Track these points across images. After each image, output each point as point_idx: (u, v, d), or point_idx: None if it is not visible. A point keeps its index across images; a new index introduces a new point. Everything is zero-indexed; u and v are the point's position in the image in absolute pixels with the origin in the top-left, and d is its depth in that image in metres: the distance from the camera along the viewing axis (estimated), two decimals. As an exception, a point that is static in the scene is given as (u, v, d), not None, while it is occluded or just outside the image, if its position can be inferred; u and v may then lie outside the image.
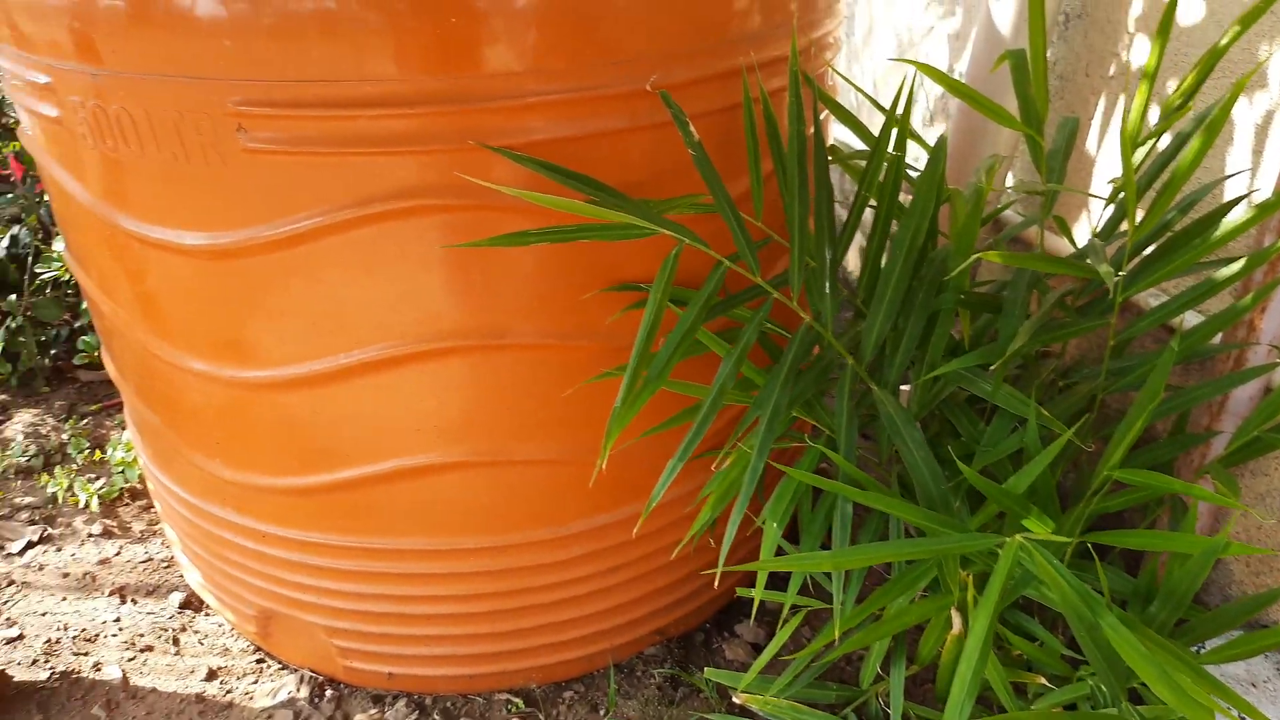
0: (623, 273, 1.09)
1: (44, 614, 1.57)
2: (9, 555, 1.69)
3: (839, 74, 1.29)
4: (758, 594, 1.03)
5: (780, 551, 1.39)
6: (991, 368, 1.01)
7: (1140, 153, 1.01)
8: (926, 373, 1.08)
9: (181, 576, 1.64)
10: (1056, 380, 1.26)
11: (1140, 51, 1.46)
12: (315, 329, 1.06)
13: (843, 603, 1.00)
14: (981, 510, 1.00)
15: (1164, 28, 0.92)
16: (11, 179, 2.26)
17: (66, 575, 1.65)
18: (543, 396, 1.15)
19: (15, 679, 1.43)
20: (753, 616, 1.52)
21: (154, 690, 1.42)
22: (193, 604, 1.58)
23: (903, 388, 1.18)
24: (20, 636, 1.52)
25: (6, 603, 1.59)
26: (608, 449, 0.96)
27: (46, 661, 1.47)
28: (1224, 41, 0.93)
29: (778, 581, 1.55)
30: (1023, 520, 0.90)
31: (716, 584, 1.42)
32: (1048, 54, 1.30)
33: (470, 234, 0.99)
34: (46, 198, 2.19)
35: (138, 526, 1.77)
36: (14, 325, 2.14)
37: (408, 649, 1.35)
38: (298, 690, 1.42)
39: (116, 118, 0.98)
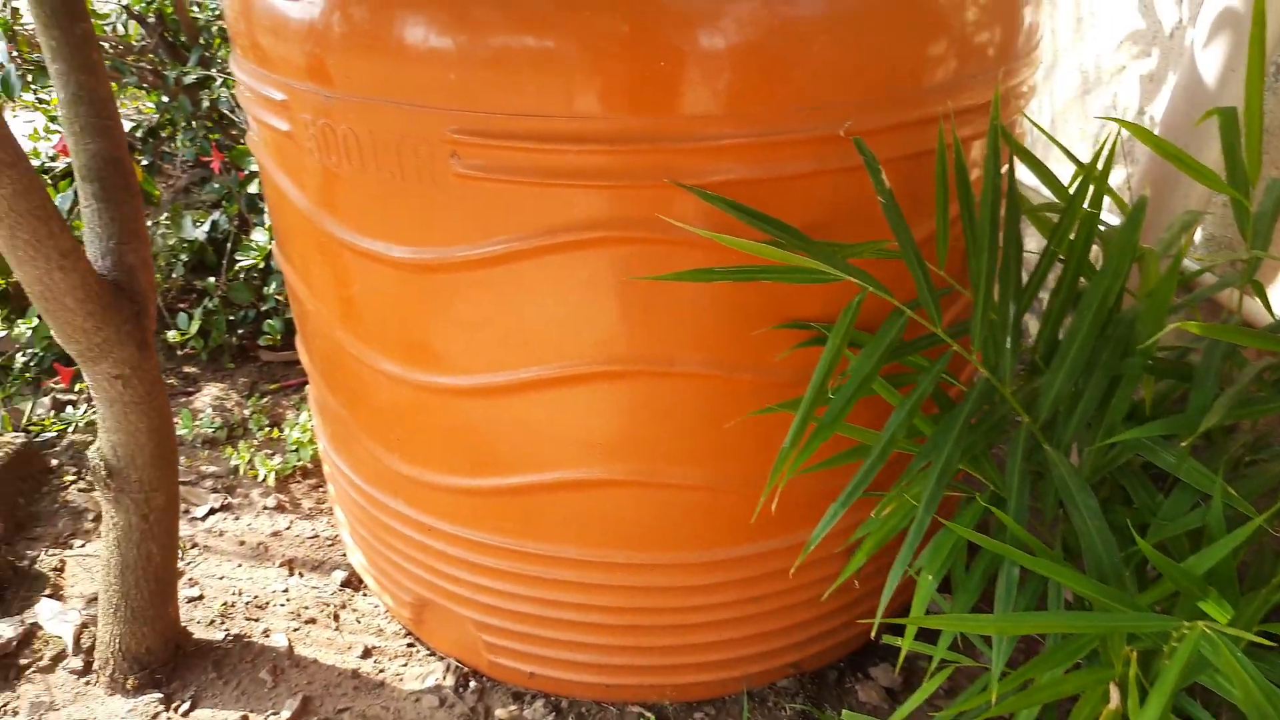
0: (794, 310, 1.10)
1: (221, 578, 1.71)
2: (194, 519, 1.85)
3: (1031, 122, 1.26)
4: (906, 644, 1.02)
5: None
6: (1182, 442, 0.97)
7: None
8: (1105, 437, 1.05)
9: (345, 556, 1.75)
10: (1244, 455, 1.19)
11: (1364, 110, 1.36)
12: (500, 343, 1.12)
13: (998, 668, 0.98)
14: (1155, 587, 0.96)
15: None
16: (211, 167, 2.46)
17: (243, 543, 1.79)
18: (703, 424, 1.17)
19: (195, 636, 1.57)
20: (898, 666, 1.50)
21: (315, 661, 1.53)
22: (353, 583, 1.69)
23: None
24: (200, 597, 1.66)
25: (190, 564, 1.74)
26: (771, 487, 0.98)
27: (222, 623, 1.60)
28: None
29: (923, 632, 1.52)
30: (1200, 604, 0.86)
31: (874, 634, 1.41)
32: (1260, 111, 1.24)
33: (650, 266, 1.03)
34: (247, 189, 2.38)
35: (307, 504, 1.90)
36: (210, 305, 2.33)
37: (550, 651, 1.40)
38: (444, 678, 1.49)
39: (343, 136, 1.06)
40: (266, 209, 2.21)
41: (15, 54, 2.03)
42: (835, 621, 1.43)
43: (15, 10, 2.10)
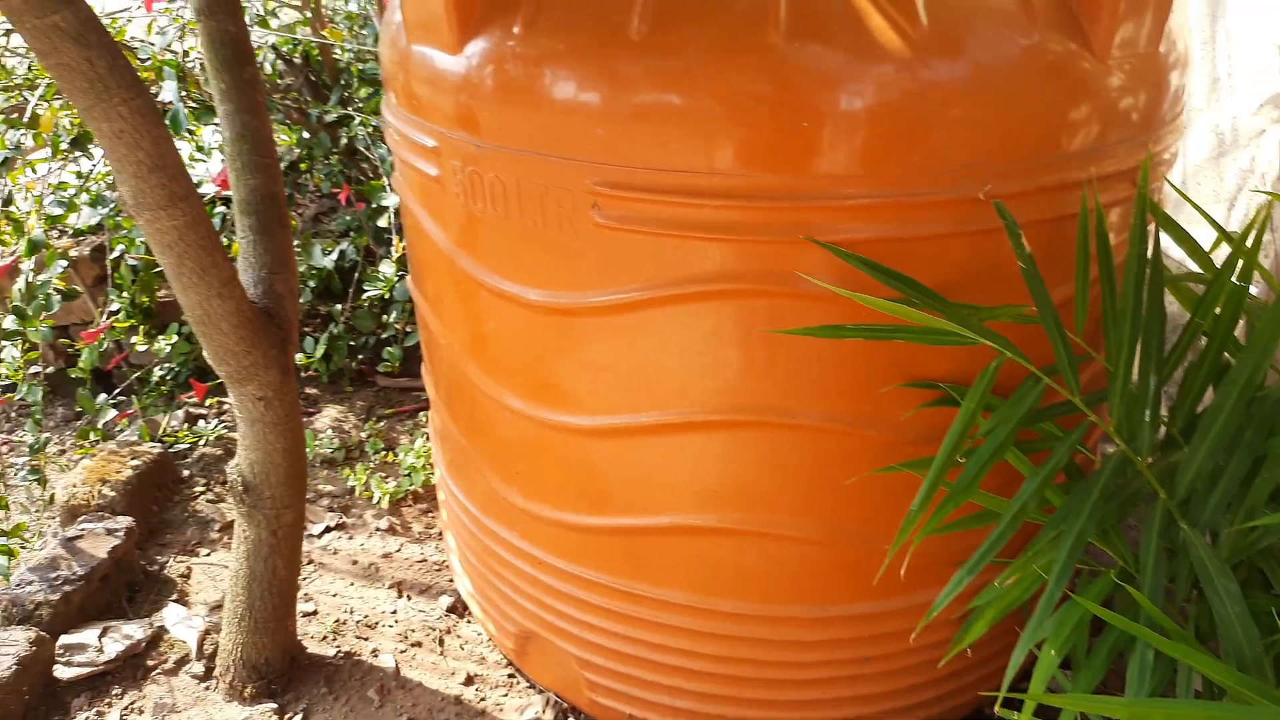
0: (920, 369, 1.10)
1: (334, 595, 1.77)
2: (310, 536, 1.93)
3: (1176, 189, 1.23)
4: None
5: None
6: (1333, 529, 0.93)
7: None
8: (1246, 519, 1.01)
9: (452, 581, 1.79)
10: (1399, 546, 1.12)
11: None
12: (625, 387, 1.15)
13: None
14: (1301, 681, 0.91)
15: None
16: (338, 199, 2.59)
17: (355, 563, 1.86)
18: (822, 478, 1.17)
19: (309, 650, 1.63)
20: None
21: (420, 684, 1.57)
22: (458, 609, 1.73)
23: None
24: (315, 612, 1.72)
25: (305, 580, 1.81)
26: (896, 549, 0.97)
27: (334, 640, 1.66)
28: None
29: (1037, 709, 1.47)
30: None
31: (997, 708, 1.38)
32: None
33: (777, 320, 1.04)
34: (375, 222, 2.49)
35: (417, 528, 1.96)
36: (335, 331, 2.44)
37: (651, 694, 1.40)
38: (543, 712, 1.51)
39: (489, 184, 1.12)
40: (399, 242, 2.32)
41: (184, 93, 2.19)
42: (944, 688, 1.40)
43: (185, 51, 2.27)
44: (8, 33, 2.31)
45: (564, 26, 1.04)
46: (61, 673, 1.56)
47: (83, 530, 1.73)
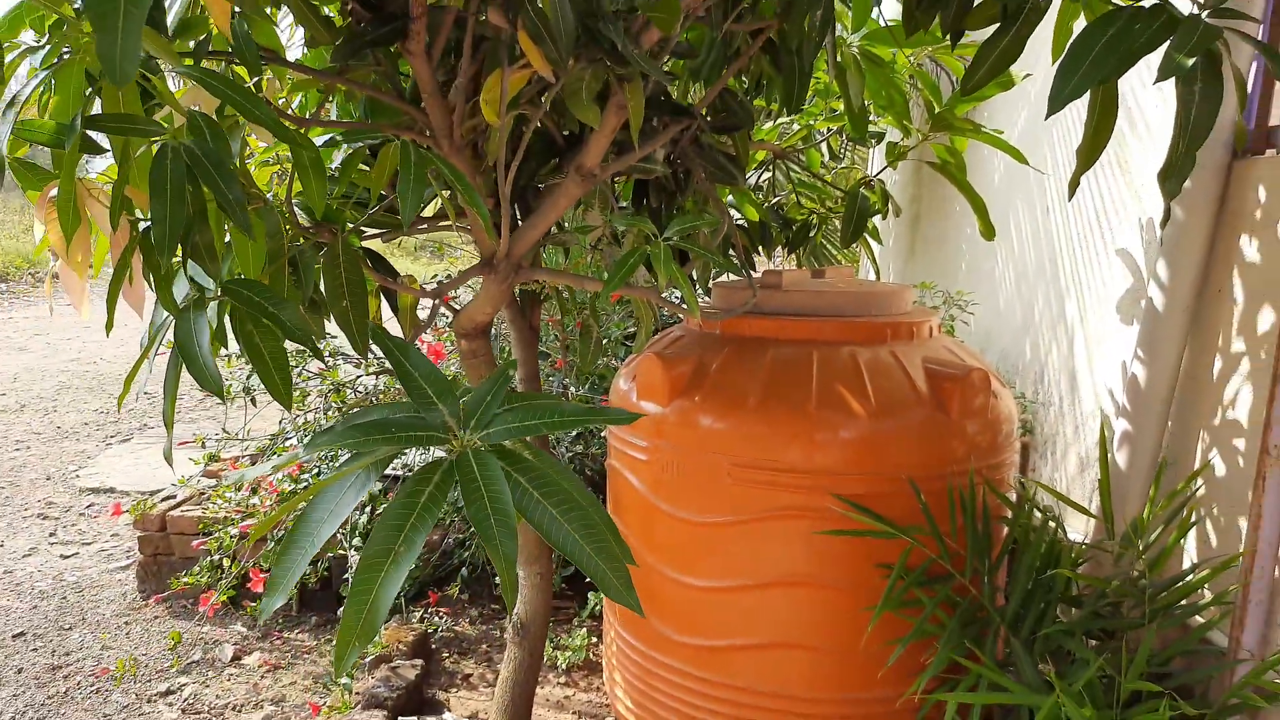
0: (883, 555, 2.24)
1: (538, 717, 2.81)
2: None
3: (1039, 485, 2.41)
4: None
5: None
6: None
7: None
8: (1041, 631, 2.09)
9: (609, 716, 2.83)
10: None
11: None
12: (734, 562, 2.31)
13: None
14: None
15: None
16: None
17: (548, 700, 2.91)
18: (834, 613, 2.28)
19: (529, 739, 2.66)
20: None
21: (599, 760, 2.58)
22: (617, 725, 2.76)
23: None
24: (528, 722, 2.77)
25: (518, 705, 2.86)
26: (866, 637, 2.08)
27: (543, 735, 2.70)
28: None
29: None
30: None
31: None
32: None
33: (816, 528, 2.22)
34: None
35: (583, 684, 3.01)
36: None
37: (742, 759, 2.41)
38: (675, 777, 2.51)
39: (671, 461, 2.36)
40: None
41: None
42: (914, 765, 2.38)
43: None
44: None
45: (718, 398, 2.33)
46: (386, 741, 2.62)
47: (398, 665, 2.85)
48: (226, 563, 3.45)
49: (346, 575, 3.45)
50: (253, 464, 4.26)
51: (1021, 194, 3.81)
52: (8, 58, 1.40)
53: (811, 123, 3.14)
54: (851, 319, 2.42)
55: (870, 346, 2.36)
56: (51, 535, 4.72)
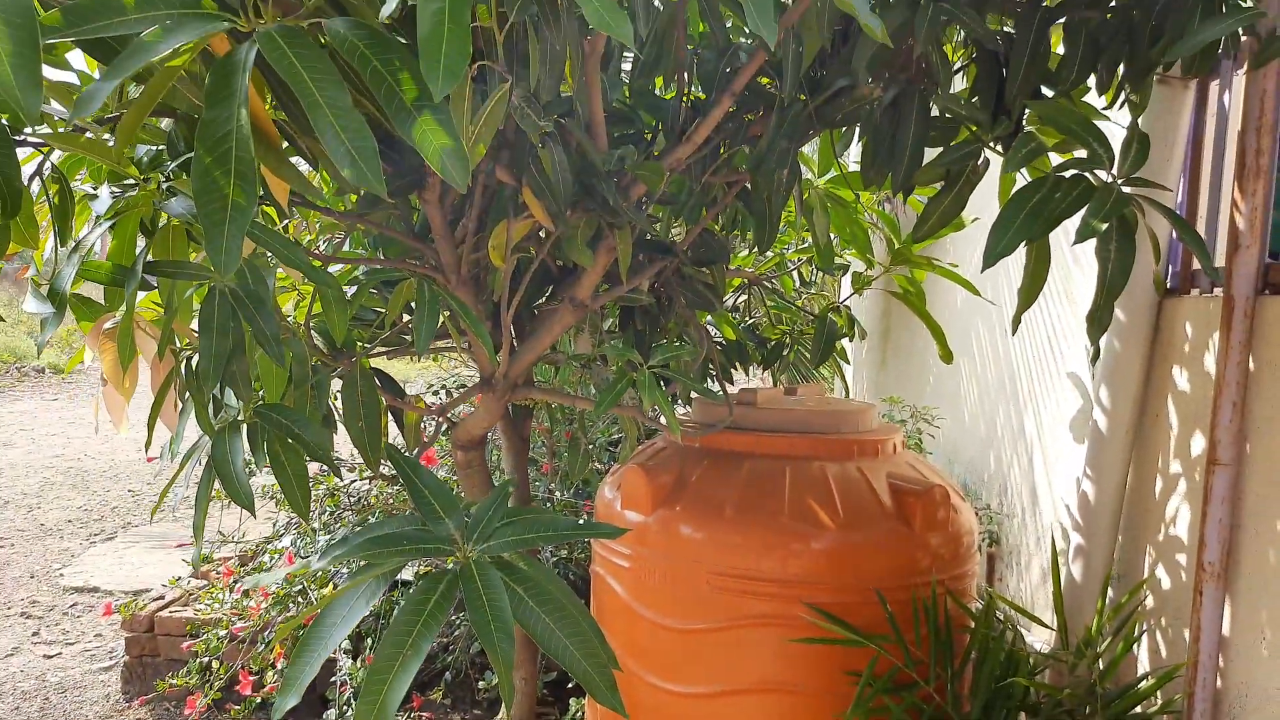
0: (852, 664, 2.37)
1: (518, 820, 2.86)
2: (497, 789, 3.04)
3: (1001, 598, 2.57)
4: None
5: None
6: None
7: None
8: (1000, 742, 2.21)
9: (591, 816, 2.88)
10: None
11: (1167, 599, 2.60)
12: (711, 668, 2.42)
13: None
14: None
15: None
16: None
17: (528, 804, 2.96)
18: (800, 717, 2.39)
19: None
20: None
21: None
22: (597, 831, 2.81)
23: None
24: (509, 827, 2.82)
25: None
26: (836, 741, 2.19)
27: (524, 841, 2.74)
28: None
29: None
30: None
31: None
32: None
33: (787, 634, 2.35)
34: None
35: (564, 788, 3.06)
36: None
37: None
38: None
39: (654, 569, 2.50)
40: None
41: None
42: None
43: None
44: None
45: (698, 509, 2.49)
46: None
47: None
48: (215, 665, 3.50)
49: (332, 678, 3.51)
50: (242, 564, 4.34)
51: (982, 316, 4.07)
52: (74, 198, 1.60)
53: (784, 251, 3.40)
54: (821, 435, 2.61)
55: (839, 462, 2.54)
56: (35, 635, 4.73)
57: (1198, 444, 2.39)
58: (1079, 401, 3.10)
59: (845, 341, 3.24)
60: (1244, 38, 2.00)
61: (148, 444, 1.60)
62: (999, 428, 3.83)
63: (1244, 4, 1.90)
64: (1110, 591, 2.63)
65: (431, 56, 0.91)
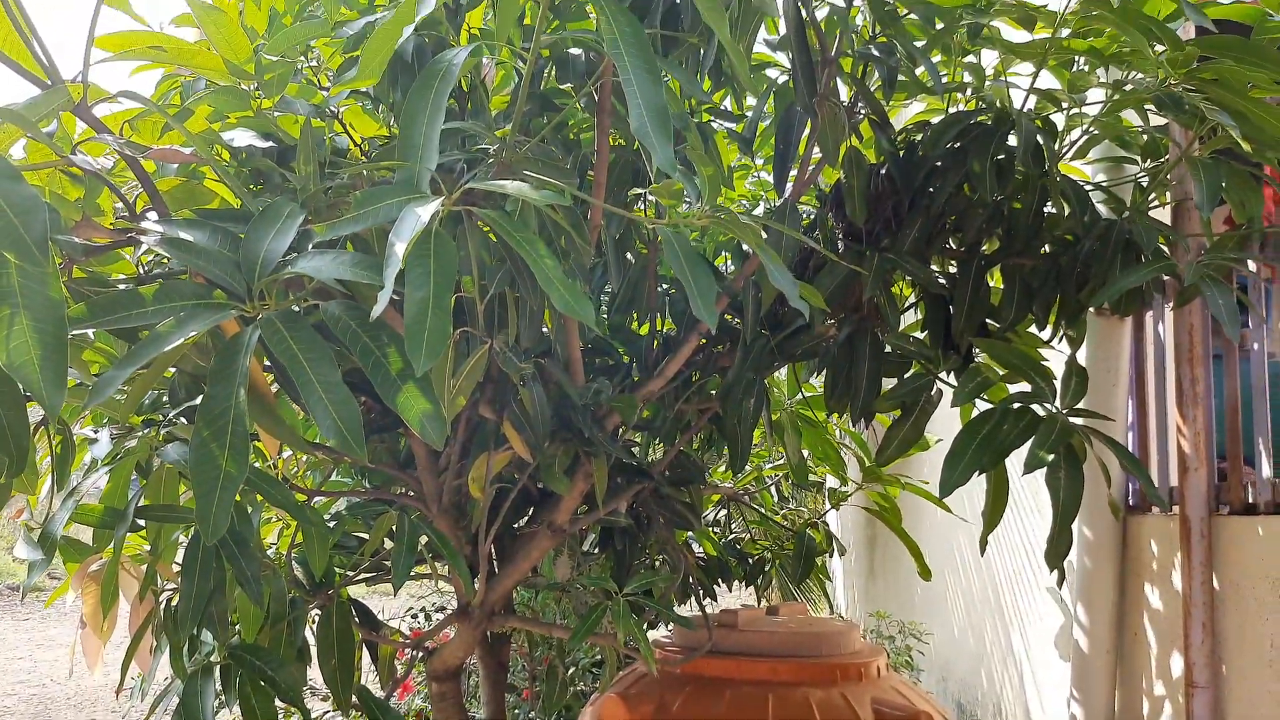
0: None
1: None
2: None
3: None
4: None
5: None
6: None
7: None
8: None
9: None
10: None
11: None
12: None
13: None
14: None
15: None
16: None
17: None
18: None
19: None
20: None
21: None
22: None
23: None
24: None
25: None
26: None
27: None
28: None
29: None
30: None
31: None
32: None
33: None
34: None
35: None
36: None
37: None
38: None
39: None
40: None
41: None
42: None
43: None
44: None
45: None
46: None
47: None
48: None
49: None
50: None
51: (963, 529, 4.11)
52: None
53: (762, 466, 3.48)
54: (803, 660, 2.58)
55: (822, 688, 2.50)
56: None
57: (1177, 664, 2.39)
58: (1060, 617, 3.10)
59: (829, 555, 3.27)
60: (1166, 278, 2.19)
61: (119, 689, 1.60)
62: (988, 644, 3.79)
63: (1163, 248, 2.10)
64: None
65: (416, 339, 1.02)
